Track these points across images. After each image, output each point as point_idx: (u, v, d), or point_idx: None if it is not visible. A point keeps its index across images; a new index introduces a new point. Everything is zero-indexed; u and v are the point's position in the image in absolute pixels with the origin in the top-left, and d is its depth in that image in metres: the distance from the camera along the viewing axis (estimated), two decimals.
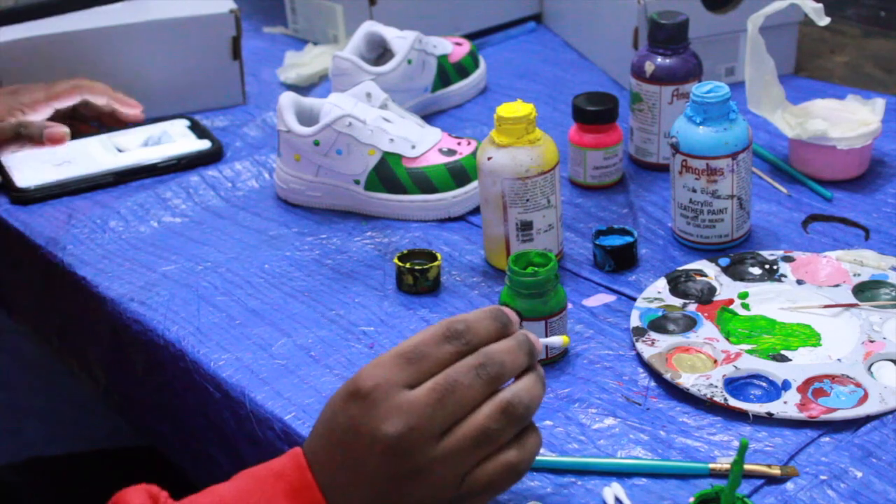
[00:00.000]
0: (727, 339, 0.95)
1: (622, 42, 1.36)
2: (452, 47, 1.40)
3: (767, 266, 1.04)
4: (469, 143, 1.18)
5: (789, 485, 0.81)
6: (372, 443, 0.72)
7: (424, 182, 1.15)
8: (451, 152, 1.17)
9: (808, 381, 0.89)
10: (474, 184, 1.14)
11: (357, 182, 1.16)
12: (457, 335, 0.75)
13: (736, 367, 0.91)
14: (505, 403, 0.74)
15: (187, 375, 1.00)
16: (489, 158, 1.03)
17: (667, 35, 1.18)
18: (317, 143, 1.15)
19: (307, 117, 1.18)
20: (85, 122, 1.35)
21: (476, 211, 1.14)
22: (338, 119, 1.14)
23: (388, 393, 0.73)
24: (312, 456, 0.75)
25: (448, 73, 1.38)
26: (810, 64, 1.44)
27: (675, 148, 1.06)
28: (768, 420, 0.86)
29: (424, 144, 1.17)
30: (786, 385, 0.89)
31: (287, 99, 1.17)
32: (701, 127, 1.04)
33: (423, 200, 1.16)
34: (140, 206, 1.22)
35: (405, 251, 1.07)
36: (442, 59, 1.38)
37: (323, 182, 1.17)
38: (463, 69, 1.40)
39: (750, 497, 0.80)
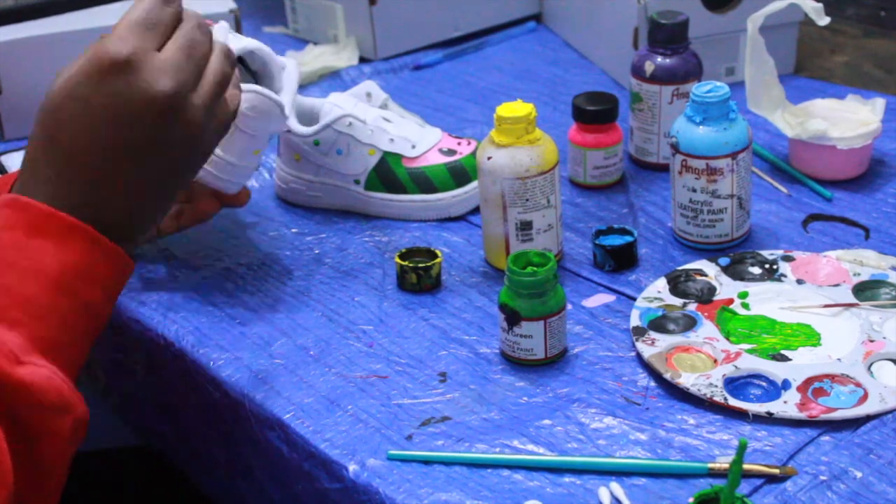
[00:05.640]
0: (727, 338, 0.95)
1: (622, 42, 1.36)
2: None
3: (767, 266, 1.04)
4: (469, 143, 1.18)
5: (789, 484, 0.81)
6: (148, 106, 0.76)
7: (424, 182, 1.15)
8: (451, 152, 1.16)
9: (808, 381, 0.89)
10: (474, 184, 1.14)
11: (357, 182, 1.16)
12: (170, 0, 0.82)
13: (736, 367, 0.91)
14: (226, 48, 0.85)
15: (187, 375, 1.00)
16: (489, 158, 1.03)
17: (667, 35, 1.18)
18: (317, 143, 1.15)
19: (307, 117, 1.18)
20: None
21: (476, 211, 1.14)
22: (338, 119, 1.13)
23: (146, 58, 0.77)
24: (62, 174, 0.79)
25: None
26: (810, 64, 1.44)
27: (675, 148, 1.06)
28: (768, 419, 0.86)
29: (424, 144, 1.17)
30: (786, 385, 0.89)
31: None
32: (701, 127, 1.04)
33: (422, 200, 1.15)
34: None
35: (404, 250, 1.07)
36: None
37: (323, 182, 1.17)
38: None
39: (749, 497, 0.80)
